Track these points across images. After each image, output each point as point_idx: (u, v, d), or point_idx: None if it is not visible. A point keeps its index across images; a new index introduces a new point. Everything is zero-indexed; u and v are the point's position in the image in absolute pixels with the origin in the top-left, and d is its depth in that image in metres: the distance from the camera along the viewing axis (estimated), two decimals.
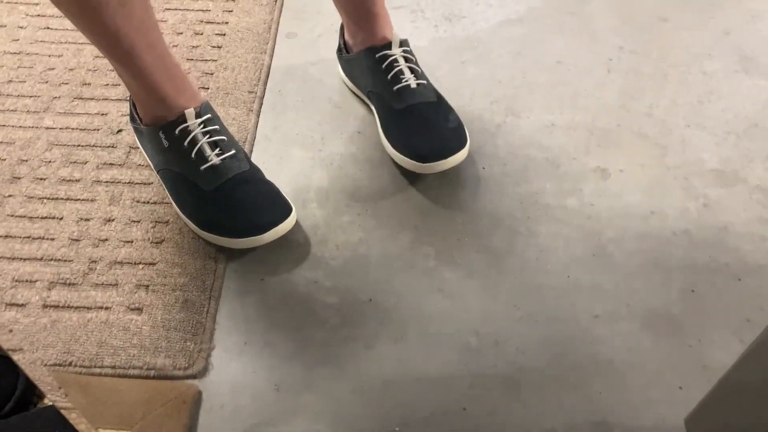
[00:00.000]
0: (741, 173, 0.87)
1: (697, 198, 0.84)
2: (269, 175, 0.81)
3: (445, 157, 0.80)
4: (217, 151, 0.76)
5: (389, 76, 0.84)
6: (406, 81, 0.84)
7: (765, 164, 0.88)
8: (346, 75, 0.95)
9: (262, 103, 0.94)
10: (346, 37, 0.92)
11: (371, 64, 0.86)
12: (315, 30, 1.06)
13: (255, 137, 0.90)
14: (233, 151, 0.77)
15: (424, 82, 0.85)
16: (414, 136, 0.82)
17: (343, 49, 0.94)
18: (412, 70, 0.85)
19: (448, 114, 0.84)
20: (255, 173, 0.78)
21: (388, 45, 0.85)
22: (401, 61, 0.85)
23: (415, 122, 0.82)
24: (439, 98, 0.86)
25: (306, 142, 0.90)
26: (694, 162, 0.88)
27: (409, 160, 0.81)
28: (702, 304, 0.74)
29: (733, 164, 0.88)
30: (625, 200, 0.84)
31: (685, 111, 0.95)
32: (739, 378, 0.57)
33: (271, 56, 1.01)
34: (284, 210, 0.76)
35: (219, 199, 0.75)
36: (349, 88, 0.96)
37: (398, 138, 0.83)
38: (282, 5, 1.09)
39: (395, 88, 0.84)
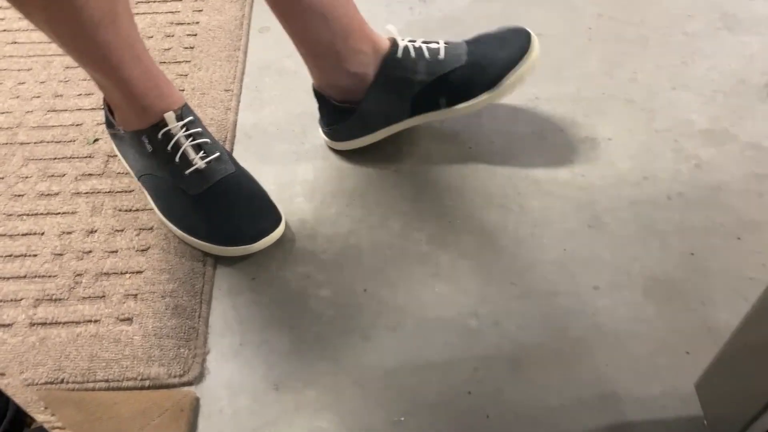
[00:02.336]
0: (731, 131, 0.85)
1: (688, 159, 0.83)
2: (253, 173, 0.79)
3: None
4: (201, 154, 0.74)
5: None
6: None
7: (755, 120, 0.86)
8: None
9: (239, 101, 0.92)
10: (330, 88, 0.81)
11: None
12: None
13: (235, 136, 0.88)
14: (218, 154, 0.75)
15: None
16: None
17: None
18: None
19: None
20: (241, 175, 0.76)
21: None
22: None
23: None
24: None
25: (287, 136, 0.88)
26: (682, 123, 0.87)
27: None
28: (703, 266, 0.73)
29: (723, 122, 0.86)
30: (617, 168, 0.82)
31: (670, 73, 0.93)
32: (747, 337, 0.56)
33: (245, 52, 0.99)
34: (274, 217, 0.75)
35: (206, 204, 0.73)
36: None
37: None
38: (252, 0, 1.07)
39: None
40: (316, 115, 0.89)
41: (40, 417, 0.61)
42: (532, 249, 0.75)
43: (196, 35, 1.01)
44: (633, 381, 0.65)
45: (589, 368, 0.66)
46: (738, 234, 0.75)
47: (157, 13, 1.05)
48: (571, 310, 0.70)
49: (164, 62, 0.97)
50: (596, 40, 0.99)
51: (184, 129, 0.74)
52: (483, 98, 0.80)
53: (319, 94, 0.80)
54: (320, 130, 0.85)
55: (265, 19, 1.04)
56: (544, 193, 0.80)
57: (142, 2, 1.06)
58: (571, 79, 0.93)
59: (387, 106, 0.80)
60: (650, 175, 0.81)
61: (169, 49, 0.99)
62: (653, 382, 0.64)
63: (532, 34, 0.82)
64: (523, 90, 0.92)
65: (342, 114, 0.80)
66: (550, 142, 0.85)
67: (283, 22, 0.75)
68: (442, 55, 0.78)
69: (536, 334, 0.68)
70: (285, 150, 0.86)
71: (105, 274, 0.73)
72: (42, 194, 0.81)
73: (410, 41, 0.78)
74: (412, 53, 0.77)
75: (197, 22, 1.03)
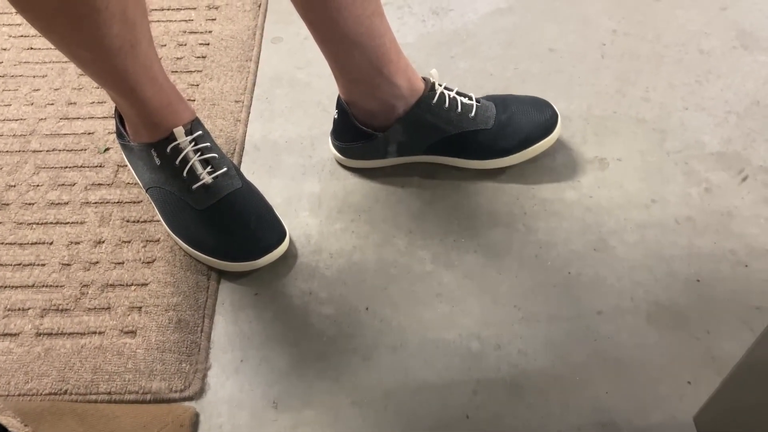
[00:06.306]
0: (743, 154, 0.84)
1: (699, 183, 0.82)
2: (260, 186, 0.80)
3: None
4: (208, 169, 0.75)
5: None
6: None
7: (767, 143, 0.85)
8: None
9: (249, 112, 0.93)
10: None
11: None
12: (301, 33, 1.04)
13: (243, 148, 0.88)
14: (225, 169, 0.75)
15: None
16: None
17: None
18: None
19: None
20: (248, 191, 0.77)
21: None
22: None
23: None
24: None
25: (296, 149, 0.88)
26: (694, 145, 0.86)
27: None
28: (708, 293, 0.72)
29: (735, 145, 0.85)
30: (625, 189, 0.81)
31: (683, 92, 0.92)
32: (749, 370, 0.55)
33: (257, 63, 0.99)
34: (278, 233, 0.75)
35: (211, 219, 0.74)
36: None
37: None
38: (266, 10, 1.08)
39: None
40: (326, 128, 0.89)
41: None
42: (537, 271, 0.75)
43: (208, 44, 1.01)
44: (632, 410, 0.64)
45: (590, 395, 0.65)
46: (746, 261, 0.74)
47: (170, 21, 1.05)
48: (573, 335, 0.69)
49: (176, 71, 0.98)
50: (610, 56, 0.98)
51: (192, 144, 0.74)
52: (496, 162, 0.83)
53: (343, 109, 0.81)
54: (330, 143, 0.86)
55: (278, 29, 1.05)
56: (551, 214, 0.79)
57: (156, 10, 1.07)
58: (582, 96, 0.93)
59: (406, 142, 0.81)
60: (659, 198, 0.80)
61: (181, 58, 1.00)
62: (653, 411, 0.64)
63: (559, 116, 0.84)
64: None
65: (359, 136, 0.81)
66: (559, 161, 0.85)
67: (320, 45, 0.75)
68: (473, 113, 0.80)
69: (537, 358, 0.68)
70: (293, 163, 0.86)
71: (111, 285, 0.74)
72: (52, 203, 0.82)
73: (446, 89, 0.79)
74: (447, 103, 0.78)
75: (210, 32, 1.03)
